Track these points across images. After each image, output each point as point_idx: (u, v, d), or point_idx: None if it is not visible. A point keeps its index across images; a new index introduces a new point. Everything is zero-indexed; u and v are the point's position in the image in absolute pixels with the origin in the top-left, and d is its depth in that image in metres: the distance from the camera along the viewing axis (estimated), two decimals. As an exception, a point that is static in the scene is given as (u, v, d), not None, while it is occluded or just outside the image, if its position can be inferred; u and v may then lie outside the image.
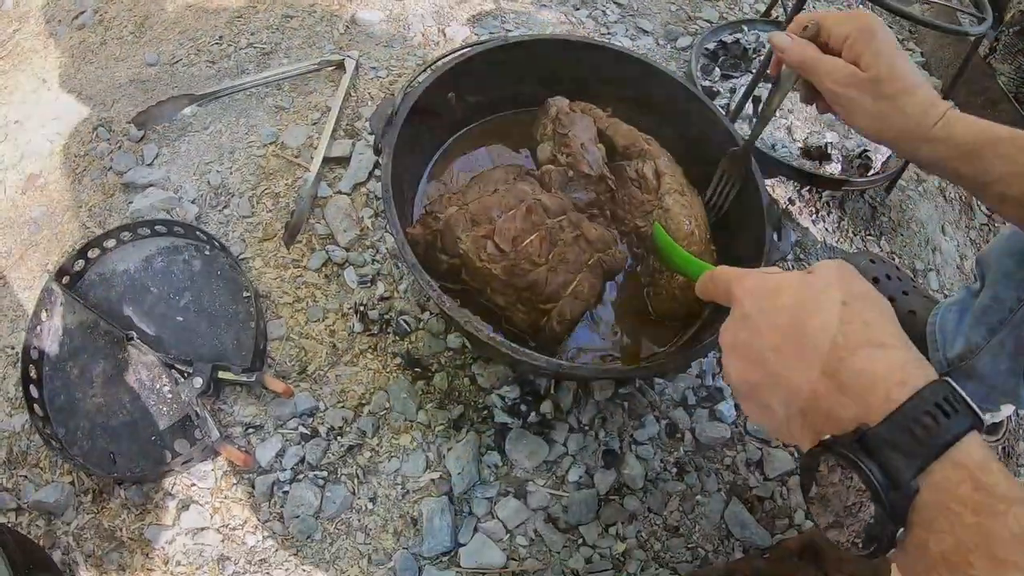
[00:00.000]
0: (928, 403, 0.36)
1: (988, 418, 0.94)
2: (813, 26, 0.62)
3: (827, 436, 0.38)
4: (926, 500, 0.34)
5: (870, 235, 1.13)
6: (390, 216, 0.68)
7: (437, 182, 0.87)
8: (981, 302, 0.83)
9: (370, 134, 0.99)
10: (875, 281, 0.99)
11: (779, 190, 1.12)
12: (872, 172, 1.04)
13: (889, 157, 1.07)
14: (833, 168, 1.05)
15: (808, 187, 1.11)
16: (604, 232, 0.77)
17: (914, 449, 0.35)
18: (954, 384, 0.37)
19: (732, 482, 0.85)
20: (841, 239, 1.12)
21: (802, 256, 1.07)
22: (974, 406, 0.36)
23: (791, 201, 1.11)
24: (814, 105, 0.67)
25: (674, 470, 0.85)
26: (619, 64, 0.89)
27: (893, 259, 1.13)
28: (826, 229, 1.12)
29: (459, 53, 0.82)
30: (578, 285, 0.73)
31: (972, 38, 0.94)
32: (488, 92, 0.89)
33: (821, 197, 1.13)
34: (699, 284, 0.55)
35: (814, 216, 1.12)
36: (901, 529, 0.35)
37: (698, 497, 0.84)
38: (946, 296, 0.97)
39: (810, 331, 0.41)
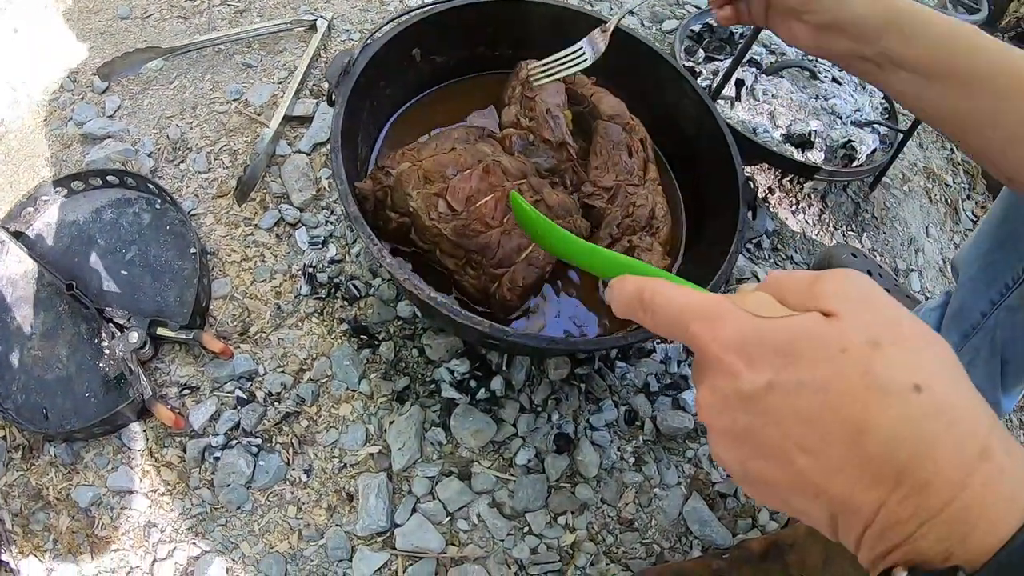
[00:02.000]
0: None
1: None
2: None
3: (904, 568, 0.28)
4: None
5: (851, 230, 1.08)
6: (335, 167, 0.65)
7: (396, 142, 0.83)
8: (952, 307, 0.80)
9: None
10: None
11: (759, 178, 1.07)
12: (856, 164, 0.98)
13: (874, 150, 1.01)
14: (816, 156, 1.00)
15: (789, 177, 1.06)
16: (566, 198, 0.73)
17: None
18: None
19: (693, 476, 0.80)
20: (821, 232, 1.07)
21: (780, 247, 1.01)
22: None
23: (771, 190, 1.07)
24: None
25: (632, 460, 0.80)
26: (587, 26, 0.84)
27: (875, 256, 1.07)
28: (806, 221, 1.07)
29: (425, 8, 0.77)
30: (533, 251, 0.69)
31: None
32: (456, 52, 0.86)
33: (802, 188, 1.08)
34: (619, 300, 0.37)
35: (794, 207, 1.07)
36: None
37: (656, 490, 0.79)
38: (928, 299, 0.92)
39: (873, 434, 0.28)
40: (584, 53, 0.73)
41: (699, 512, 0.79)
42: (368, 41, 0.75)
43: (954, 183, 1.28)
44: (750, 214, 0.75)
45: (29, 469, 0.78)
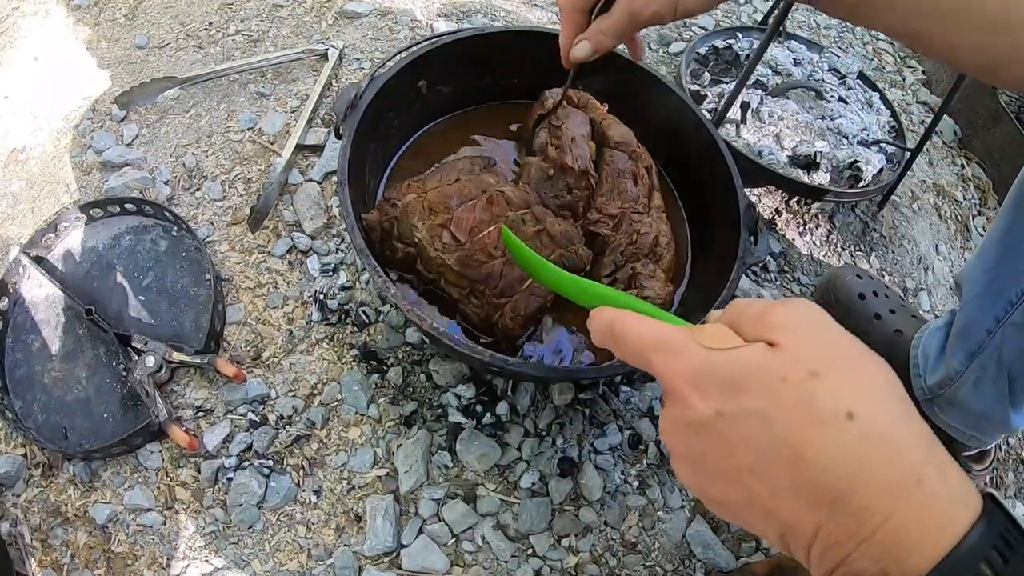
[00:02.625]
0: (974, 558, 0.30)
1: (975, 447, 0.95)
2: None
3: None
4: None
5: (859, 250, 1.16)
6: (342, 200, 0.74)
7: (405, 172, 0.93)
8: (957, 325, 0.86)
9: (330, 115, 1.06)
10: (861, 297, 1.03)
11: (766, 200, 1.16)
12: (862, 184, 1.07)
13: (881, 169, 1.10)
14: (822, 178, 1.09)
15: (796, 198, 1.15)
16: (568, 227, 0.82)
17: None
18: (1003, 506, 0.32)
19: (697, 500, 0.88)
20: (829, 253, 1.15)
21: (787, 269, 1.10)
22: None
23: (777, 212, 1.15)
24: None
25: (635, 483, 0.88)
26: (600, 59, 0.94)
27: (883, 276, 1.15)
28: (813, 242, 1.15)
29: (430, 41, 0.88)
30: (535, 281, 0.77)
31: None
32: (462, 83, 0.95)
33: (810, 209, 1.16)
34: (596, 331, 0.43)
35: (801, 228, 1.16)
36: None
37: (659, 513, 0.87)
38: (937, 317, 0.99)
39: (809, 462, 0.32)
40: None
41: (702, 535, 0.86)
42: (375, 75, 0.86)
43: (964, 199, 1.36)
44: (752, 239, 0.83)
45: (48, 486, 0.88)
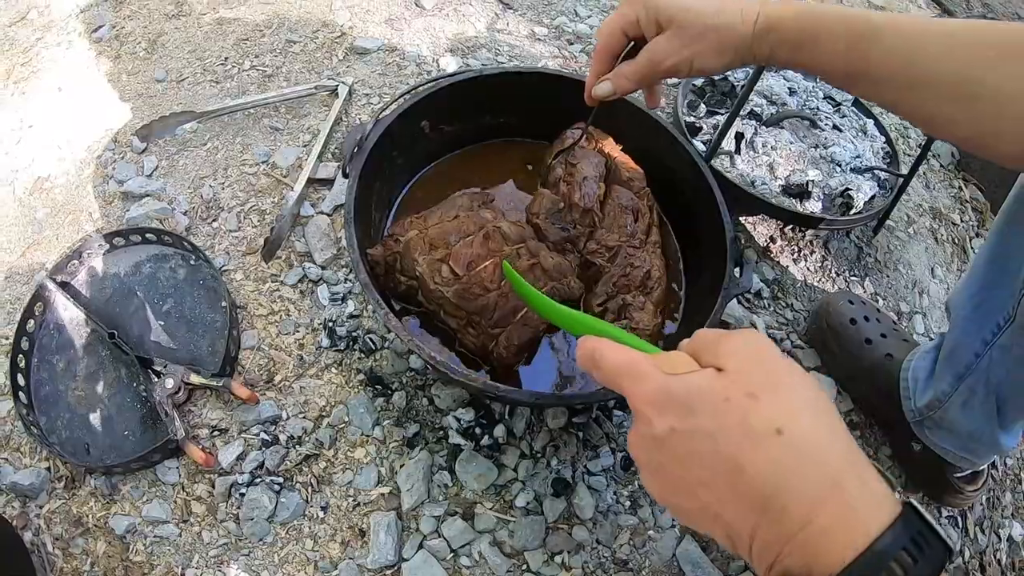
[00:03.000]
0: (885, 557, 0.36)
1: (967, 468, 1.04)
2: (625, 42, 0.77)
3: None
4: None
5: (854, 276, 1.27)
6: (348, 237, 0.85)
7: (409, 207, 1.05)
8: (946, 348, 0.94)
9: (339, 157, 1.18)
10: (852, 322, 1.13)
11: (761, 228, 1.27)
12: (854, 211, 1.18)
13: (872, 196, 1.21)
14: (814, 206, 1.20)
15: (791, 226, 1.26)
16: (561, 261, 0.93)
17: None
18: (919, 511, 0.38)
19: (683, 520, 0.98)
20: (823, 279, 1.26)
21: (780, 295, 1.21)
22: (943, 534, 0.38)
23: (772, 240, 1.26)
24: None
25: (627, 503, 0.98)
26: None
27: (877, 300, 1.26)
28: (807, 269, 1.26)
29: (431, 83, 1.00)
30: (528, 312, 0.89)
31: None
32: (464, 122, 1.07)
33: (804, 236, 1.28)
34: (581, 358, 0.51)
35: (795, 255, 1.26)
36: None
37: (650, 532, 0.97)
38: (931, 340, 1.07)
39: (745, 472, 0.40)
40: None
41: (692, 554, 0.96)
42: (379, 117, 0.97)
43: (962, 221, 1.46)
44: (737, 270, 0.93)
45: (71, 498, 0.99)
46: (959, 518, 1.11)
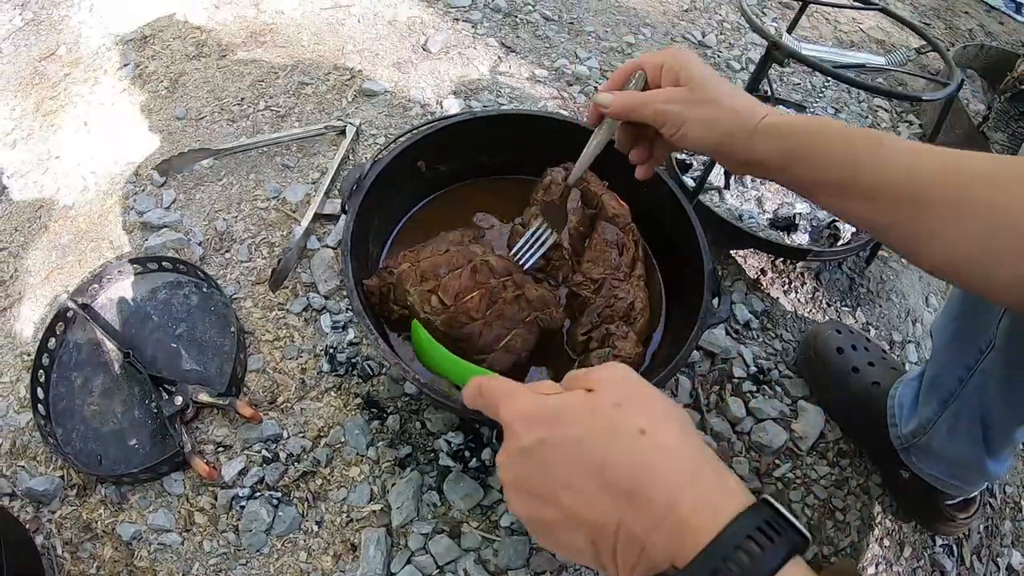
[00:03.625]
0: (740, 536, 0.41)
1: (957, 495, 1.13)
2: (640, 76, 0.83)
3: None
4: None
5: (845, 306, 1.43)
6: (344, 268, 1.01)
7: (405, 241, 1.23)
8: (928, 375, 1.04)
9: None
10: (839, 351, 1.25)
11: (751, 260, 1.43)
12: (841, 243, 1.34)
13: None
14: (801, 238, 1.36)
15: (782, 258, 1.42)
16: (544, 292, 1.10)
17: (756, 557, 0.40)
18: (774, 504, 0.43)
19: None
20: (814, 310, 1.41)
21: (769, 326, 1.38)
22: (798, 525, 0.43)
23: (763, 272, 1.42)
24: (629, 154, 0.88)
25: (605, 529, 1.14)
26: (579, 135, 1.23)
27: (868, 330, 1.40)
28: (798, 300, 1.42)
29: (428, 125, 1.18)
30: (511, 340, 1.06)
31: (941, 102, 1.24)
32: (458, 161, 1.25)
33: (795, 268, 1.43)
34: (467, 393, 0.60)
35: (786, 287, 1.42)
36: None
37: (626, 557, 1.13)
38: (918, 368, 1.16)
39: (610, 467, 0.46)
40: (545, 233, 1.10)
41: None
42: (377, 158, 1.13)
43: None
44: (715, 301, 1.06)
45: (82, 505, 1.15)
46: (954, 546, 1.22)
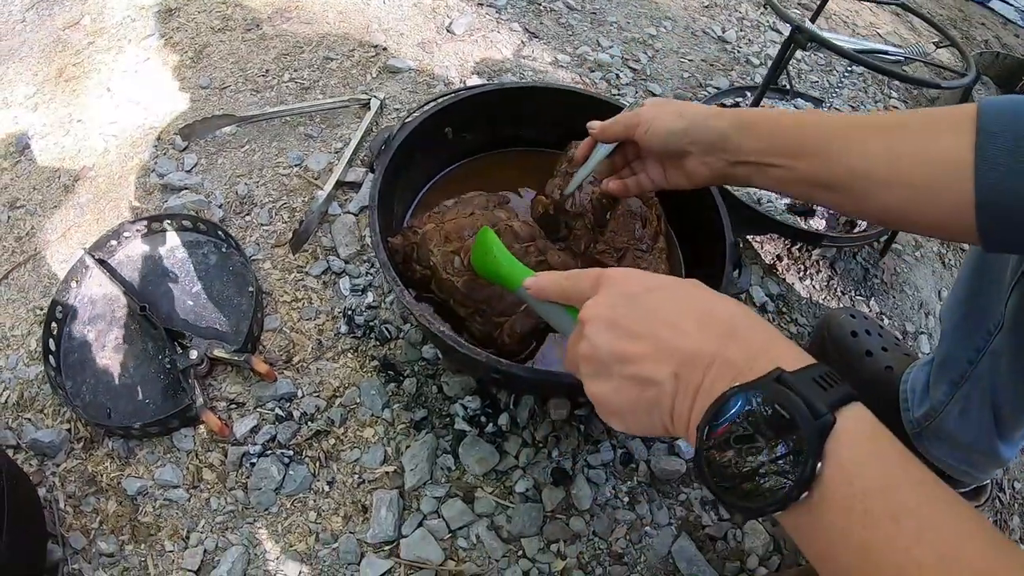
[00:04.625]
0: (821, 370, 0.48)
1: (969, 482, 1.13)
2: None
3: (736, 383, 0.50)
4: (846, 430, 0.45)
5: (859, 295, 1.43)
6: (372, 223, 1.01)
7: (428, 205, 1.23)
8: (938, 357, 1.05)
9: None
10: (853, 335, 1.25)
11: (768, 246, 1.43)
12: (858, 230, 1.35)
13: None
14: (818, 224, 1.37)
15: (798, 245, 1.43)
16: (567, 259, 1.09)
17: (823, 391, 0.46)
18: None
19: (684, 518, 1.11)
20: (828, 297, 1.41)
21: (784, 310, 1.37)
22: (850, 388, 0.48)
23: (779, 258, 1.42)
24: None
25: (625, 499, 1.11)
26: (605, 111, 1.24)
27: (882, 319, 1.40)
28: (813, 287, 1.42)
29: (456, 93, 1.20)
30: (530, 304, 1.06)
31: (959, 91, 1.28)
32: (484, 131, 1.26)
33: (811, 255, 1.44)
34: (544, 279, 0.71)
35: (801, 273, 1.42)
36: (820, 464, 0.45)
37: (647, 528, 1.10)
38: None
39: (716, 314, 0.54)
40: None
41: (687, 551, 1.07)
42: (407, 120, 1.16)
43: (970, 246, 1.63)
44: (736, 273, 1.07)
45: (87, 458, 1.13)
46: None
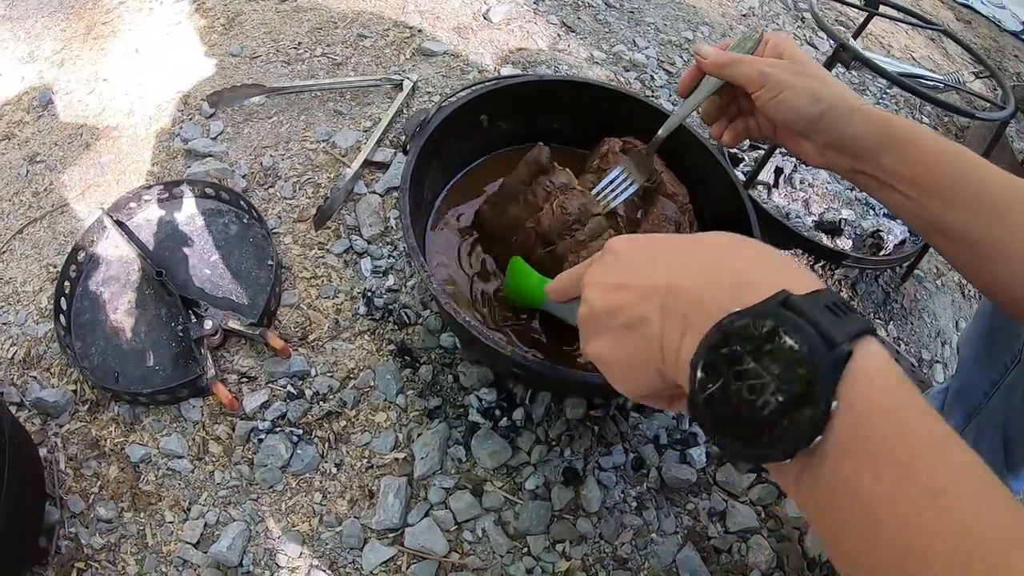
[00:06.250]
0: (834, 296, 0.42)
1: None
2: (747, 37, 0.85)
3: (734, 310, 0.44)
4: (861, 366, 0.39)
5: (878, 318, 1.42)
6: (402, 204, 0.99)
7: (460, 193, 1.22)
8: (954, 386, 1.05)
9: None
10: None
11: None
12: (883, 253, 1.35)
13: (903, 240, 1.37)
14: (844, 243, 1.36)
15: (821, 264, 1.42)
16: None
17: (837, 319, 0.40)
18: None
19: (691, 528, 1.09)
20: None
21: None
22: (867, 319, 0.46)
23: None
24: (712, 127, 0.92)
25: (634, 504, 1.10)
26: (642, 112, 1.22)
27: (899, 345, 1.39)
28: None
29: (496, 80, 1.18)
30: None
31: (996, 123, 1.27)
32: (520, 121, 1.24)
33: (833, 275, 1.43)
34: (563, 277, 0.69)
35: None
36: (835, 404, 0.38)
37: (653, 535, 1.09)
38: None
39: (704, 246, 0.52)
40: (630, 178, 1.09)
41: (691, 561, 1.06)
42: (443, 103, 1.14)
43: None
44: None
45: (92, 422, 1.11)
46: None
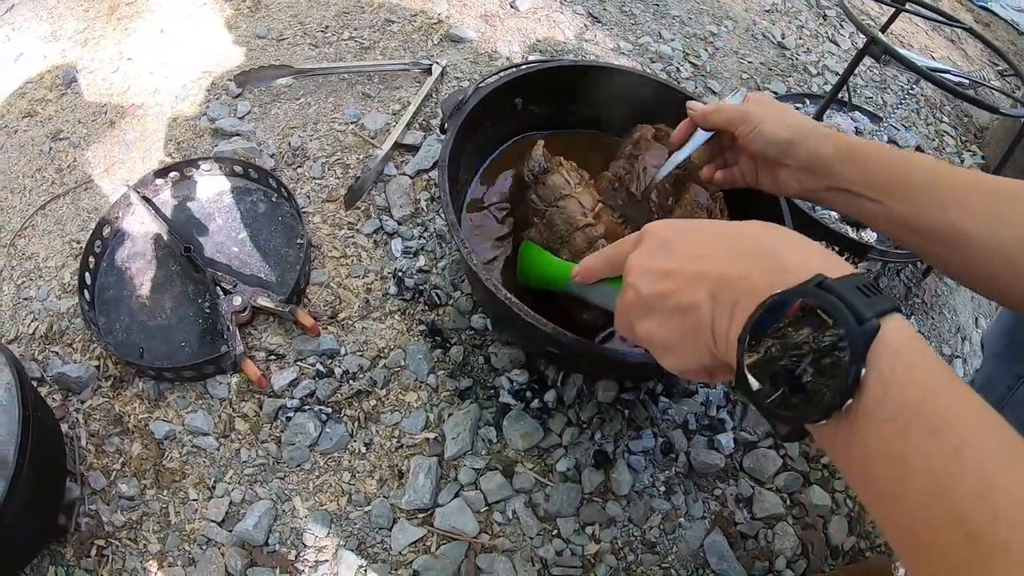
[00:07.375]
0: (864, 279, 0.47)
1: None
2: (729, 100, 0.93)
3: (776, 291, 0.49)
4: (888, 339, 0.44)
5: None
6: (441, 181, 0.99)
7: (493, 174, 1.21)
8: (978, 381, 1.06)
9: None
10: None
11: None
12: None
13: None
14: (870, 236, 1.36)
15: (846, 256, 1.41)
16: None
17: (867, 298, 0.46)
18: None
19: (718, 513, 1.08)
20: None
21: None
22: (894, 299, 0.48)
23: None
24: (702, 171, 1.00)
25: (663, 488, 1.09)
26: (674, 100, 1.22)
27: None
28: None
29: (530, 64, 1.18)
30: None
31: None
32: (553, 106, 1.24)
33: (857, 267, 1.42)
34: (592, 260, 0.73)
35: None
36: (863, 370, 0.44)
37: (681, 519, 1.08)
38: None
39: (747, 237, 0.56)
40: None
41: (719, 546, 1.05)
42: (480, 84, 1.14)
43: None
44: None
45: (115, 398, 1.10)
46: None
